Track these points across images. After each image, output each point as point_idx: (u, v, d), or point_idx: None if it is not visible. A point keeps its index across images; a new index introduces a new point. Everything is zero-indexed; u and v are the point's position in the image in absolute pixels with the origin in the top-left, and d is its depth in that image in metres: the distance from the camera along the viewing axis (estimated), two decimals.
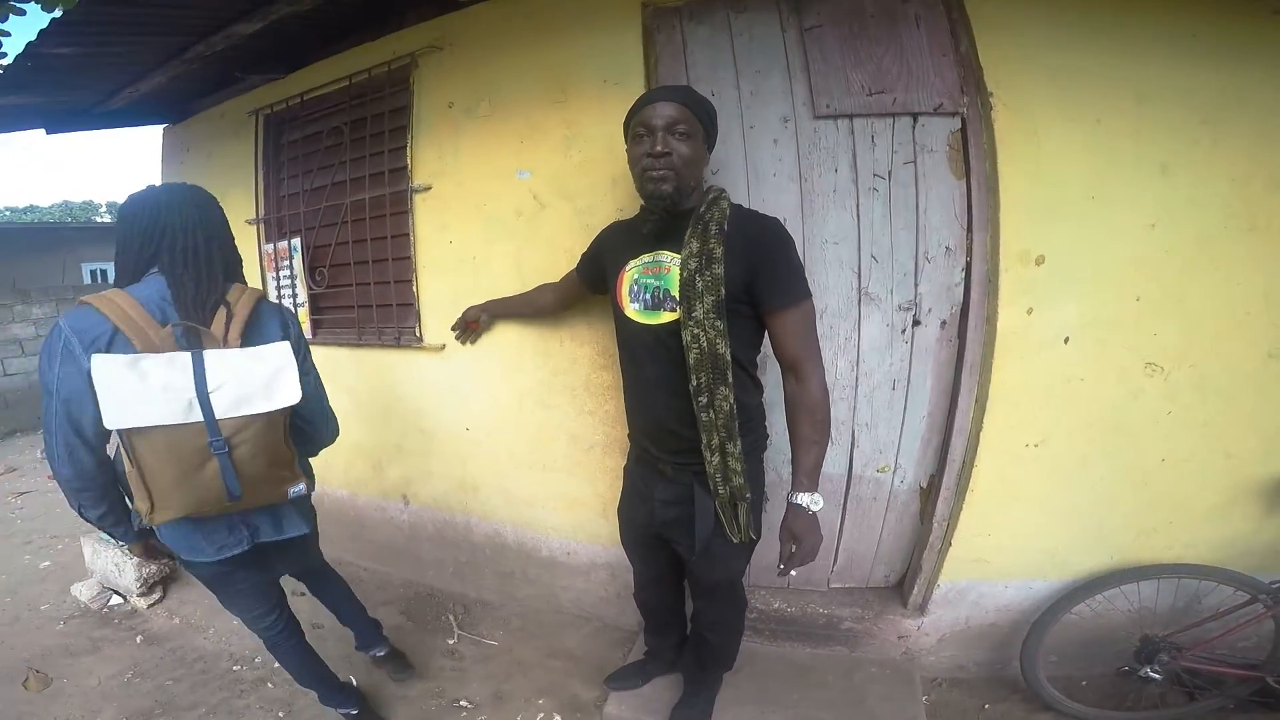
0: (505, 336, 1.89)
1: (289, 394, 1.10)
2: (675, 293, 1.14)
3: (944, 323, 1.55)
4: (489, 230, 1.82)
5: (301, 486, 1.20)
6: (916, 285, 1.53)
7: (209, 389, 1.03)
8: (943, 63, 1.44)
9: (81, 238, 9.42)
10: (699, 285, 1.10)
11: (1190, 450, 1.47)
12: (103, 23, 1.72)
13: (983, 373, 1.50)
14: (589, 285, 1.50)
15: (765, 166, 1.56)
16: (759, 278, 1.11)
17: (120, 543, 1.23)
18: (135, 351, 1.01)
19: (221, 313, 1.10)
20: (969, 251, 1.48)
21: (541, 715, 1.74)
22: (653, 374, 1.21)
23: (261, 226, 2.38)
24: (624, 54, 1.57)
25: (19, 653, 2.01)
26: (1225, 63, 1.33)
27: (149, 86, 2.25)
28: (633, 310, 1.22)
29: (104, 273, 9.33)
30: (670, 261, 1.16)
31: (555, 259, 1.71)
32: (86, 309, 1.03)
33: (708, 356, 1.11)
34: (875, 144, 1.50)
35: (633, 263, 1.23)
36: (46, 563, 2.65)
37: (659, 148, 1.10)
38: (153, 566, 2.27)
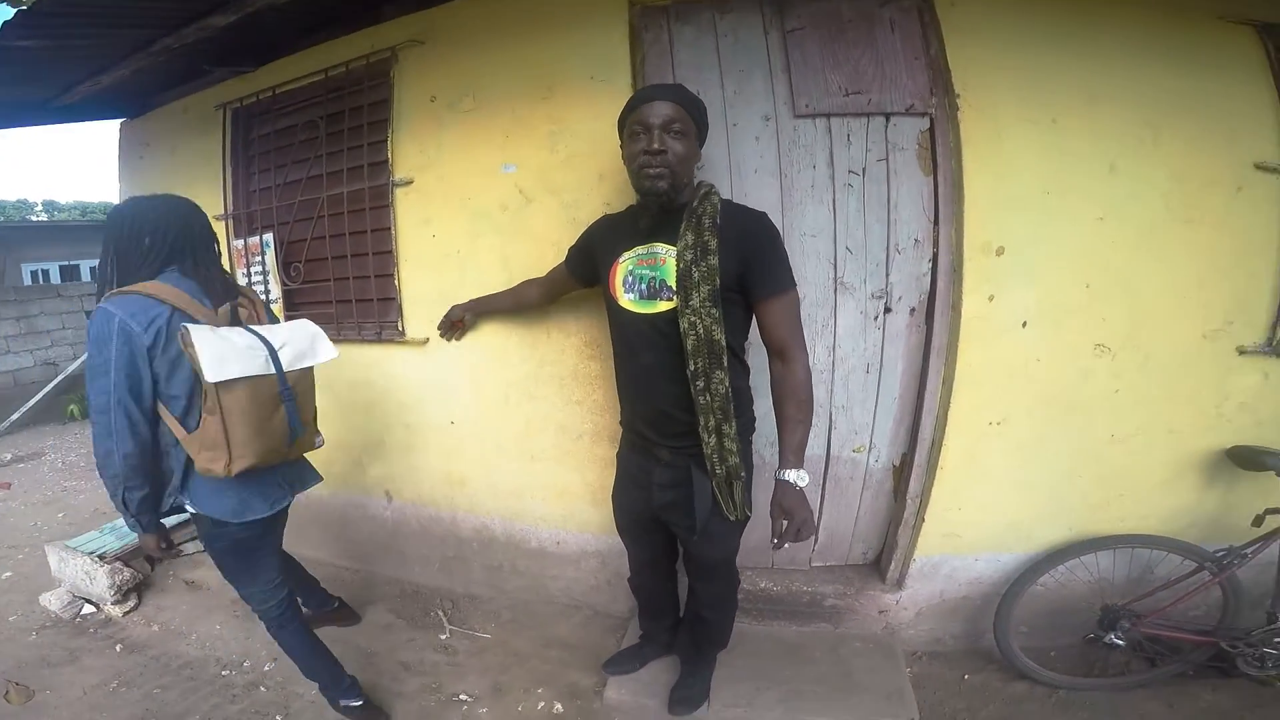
0: (491, 329, 1.92)
1: (328, 352, 1.42)
2: (672, 282, 1.20)
3: (913, 310, 1.66)
4: (474, 224, 1.85)
5: (322, 437, 1.47)
6: (888, 275, 1.64)
7: (275, 347, 1.28)
8: (914, 65, 1.55)
9: (20, 238, 8.90)
10: (695, 275, 1.16)
11: (1137, 426, 1.61)
12: (70, 15, 1.69)
13: (949, 356, 1.61)
14: (578, 278, 1.54)
15: (748, 163, 1.63)
16: (750, 268, 1.18)
17: (144, 531, 1.34)
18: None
19: (245, 301, 1.35)
20: (935, 243, 1.60)
21: (542, 704, 1.77)
22: (649, 361, 1.26)
23: (230, 222, 2.34)
24: (611, 52, 1.62)
25: None
26: (1170, 67, 1.47)
27: (110, 80, 2.19)
28: (627, 300, 1.27)
29: (46, 273, 8.86)
30: (665, 253, 1.22)
31: (542, 252, 1.75)
32: (135, 296, 1.20)
33: (704, 342, 1.17)
34: (851, 142, 1.60)
35: (626, 255, 1.28)
36: (7, 574, 2.54)
37: (655, 145, 1.15)
38: (126, 573, 2.20)
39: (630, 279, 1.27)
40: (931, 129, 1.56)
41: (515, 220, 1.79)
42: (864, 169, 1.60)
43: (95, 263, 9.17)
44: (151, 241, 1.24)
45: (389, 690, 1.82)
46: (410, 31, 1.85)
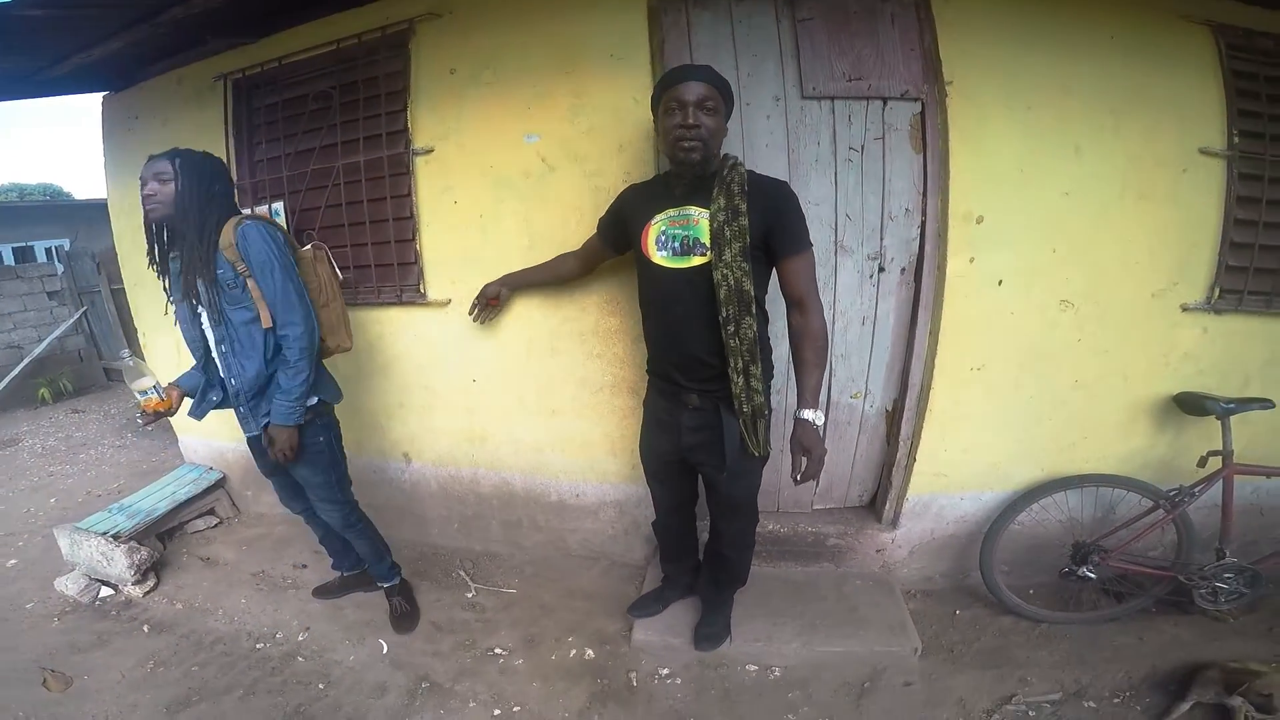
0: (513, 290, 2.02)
1: None
2: (705, 240, 1.37)
3: (904, 269, 1.88)
4: (497, 191, 1.97)
5: None
6: (882, 239, 1.86)
7: None
8: (910, 56, 1.75)
9: None
10: (728, 233, 1.33)
11: (1096, 374, 1.87)
12: None
13: (935, 310, 1.84)
14: (611, 246, 1.68)
15: (759, 138, 1.81)
16: (774, 230, 1.37)
17: (298, 414, 1.66)
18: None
19: None
20: (924, 212, 1.82)
21: (574, 652, 1.90)
22: (682, 311, 1.43)
23: (235, 192, 2.38)
24: (631, 31, 1.76)
25: (23, 654, 1.94)
26: (1132, 61, 1.70)
27: (104, 51, 2.19)
28: (660, 257, 1.43)
29: None
30: (698, 215, 1.38)
31: (565, 217, 1.89)
32: (267, 223, 1.64)
33: (734, 292, 1.35)
34: (852, 122, 1.80)
35: (658, 217, 1.43)
36: (13, 561, 2.53)
37: (690, 120, 1.30)
38: (143, 552, 2.23)
39: (663, 238, 1.42)
40: (923, 113, 1.77)
41: (538, 187, 1.92)
42: (863, 146, 1.81)
43: (51, 243, 8.83)
44: (224, 187, 1.62)
45: (423, 650, 1.92)
46: (428, 4, 1.93)
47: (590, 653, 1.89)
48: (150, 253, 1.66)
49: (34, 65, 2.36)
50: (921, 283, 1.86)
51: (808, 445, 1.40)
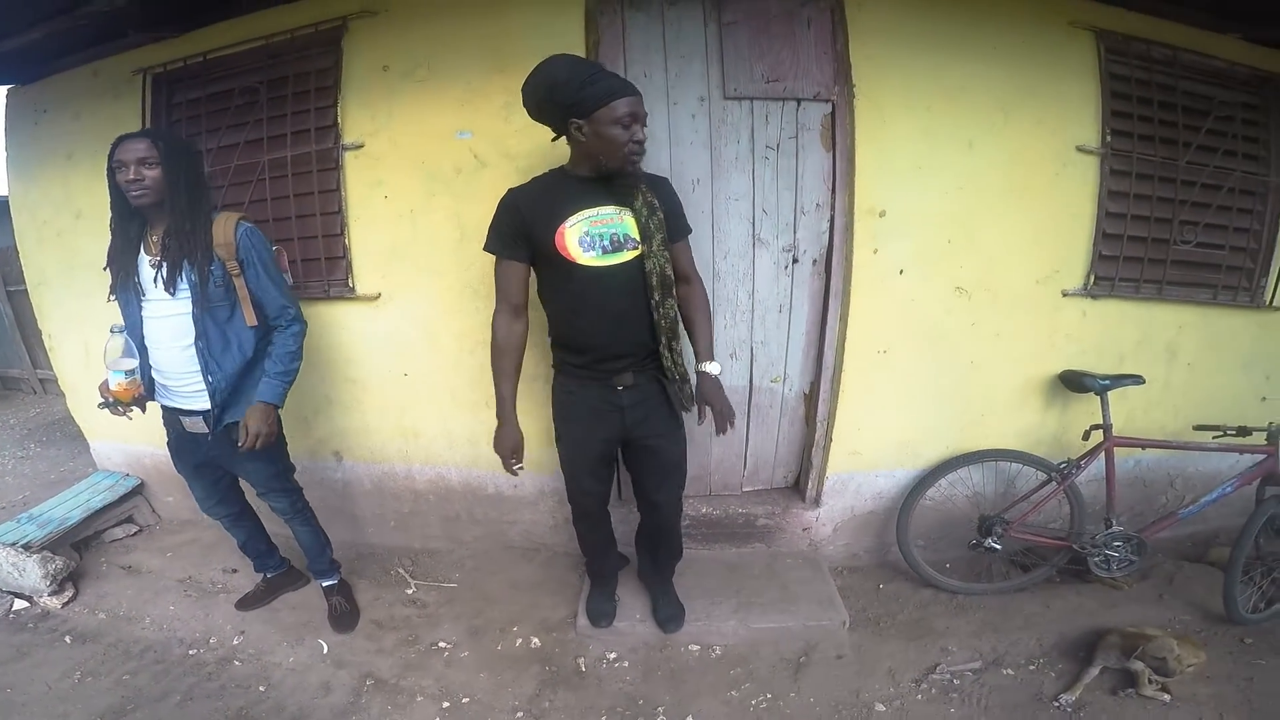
0: (444, 282, 2.14)
1: None
2: (635, 235, 1.54)
3: (815, 261, 2.11)
4: (428, 186, 2.07)
5: None
6: (795, 232, 2.07)
7: None
8: (823, 58, 1.96)
9: None
10: (652, 227, 1.54)
11: (989, 355, 2.13)
12: None
13: (844, 298, 2.07)
14: (528, 261, 1.61)
15: (685, 136, 2.00)
16: (669, 219, 1.59)
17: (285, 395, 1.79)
18: None
19: None
20: (833, 207, 2.04)
21: (520, 641, 1.98)
22: (624, 304, 1.56)
23: None
24: (567, 32, 1.89)
25: None
26: (1023, 62, 1.94)
27: (17, 43, 2.18)
28: (589, 258, 1.52)
29: None
30: (620, 213, 1.54)
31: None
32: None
33: (661, 278, 1.56)
34: (769, 122, 2.00)
35: (573, 219, 1.51)
36: None
37: (641, 137, 1.47)
38: (58, 561, 2.20)
39: (588, 239, 1.52)
40: (833, 113, 1.98)
41: (470, 183, 2.03)
42: (778, 145, 2.01)
43: None
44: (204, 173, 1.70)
45: (366, 648, 1.97)
46: (363, 2, 2.01)
47: (536, 641, 1.98)
48: (117, 245, 1.66)
49: None
50: (831, 273, 2.08)
51: (709, 396, 1.67)
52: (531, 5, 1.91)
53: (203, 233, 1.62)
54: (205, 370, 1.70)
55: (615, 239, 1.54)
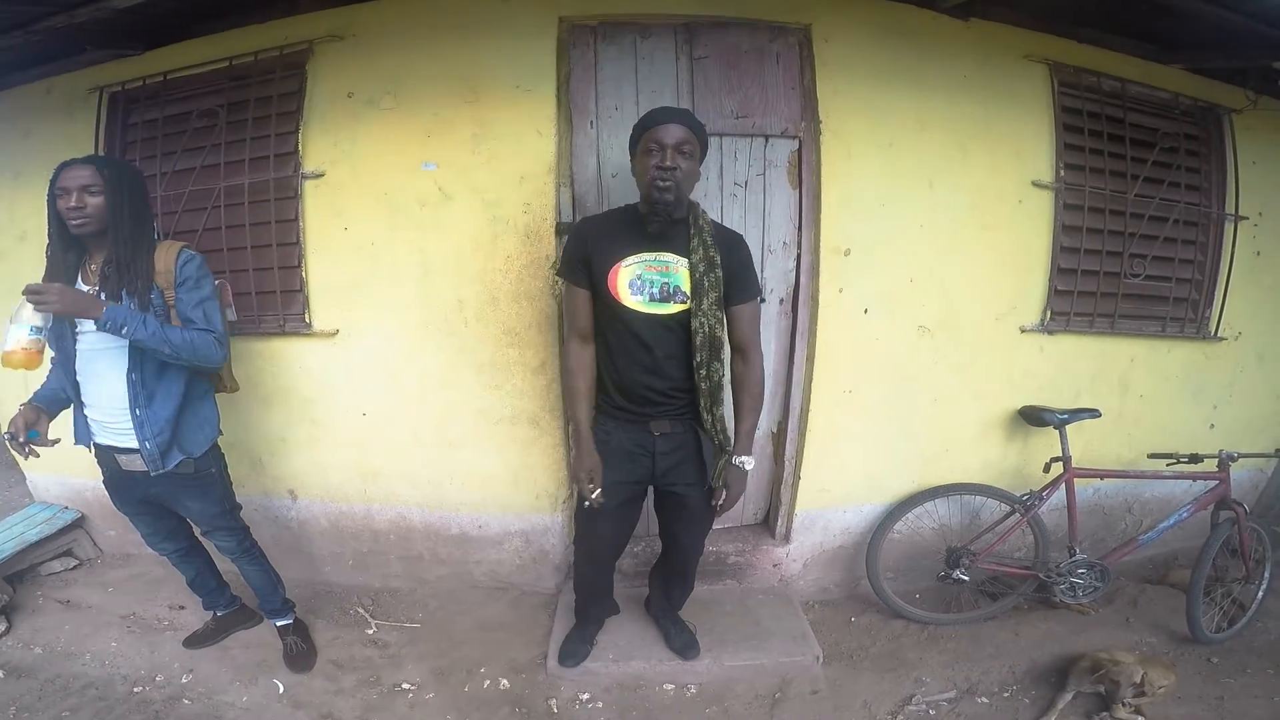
0: (407, 318, 2.10)
1: None
2: (686, 288, 1.50)
3: (782, 300, 2.13)
4: (391, 218, 2.04)
5: None
6: (763, 271, 2.08)
7: None
8: (790, 94, 1.99)
9: None
10: (706, 284, 1.48)
11: (952, 392, 2.18)
12: None
13: (810, 337, 2.10)
14: (591, 287, 1.59)
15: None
16: (734, 279, 1.52)
17: (125, 329, 1.56)
18: None
19: None
20: (799, 245, 2.07)
21: (488, 683, 1.94)
22: (661, 354, 1.54)
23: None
24: (538, 64, 1.90)
25: None
26: (979, 98, 2.01)
27: None
28: (635, 302, 1.51)
29: None
30: (676, 263, 1.51)
31: (460, 246, 1.99)
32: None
33: (709, 339, 1.50)
34: (737, 159, 2.02)
35: (630, 260, 1.50)
36: None
37: (668, 163, 1.41)
38: None
39: (639, 282, 1.50)
40: (800, 150, 2.02)
41: (435, 216, 2.01)
42: (746, 182, 2.04)
43: None
44: (149, 202, 1.64)
45: (325, 689, 1.91)
46: (329, 26, 1.99)
47: (505, 682, 1.94)
48: (53, 273, 1.60)
49: None
50: (798, 312, 2.11)
51: (731, 484, 1.60)
52: (502, 36, 1.91)
53: (144, 262, 1.57)
54: (133, 403, 1.62)
55: (665, 289, 1.51)
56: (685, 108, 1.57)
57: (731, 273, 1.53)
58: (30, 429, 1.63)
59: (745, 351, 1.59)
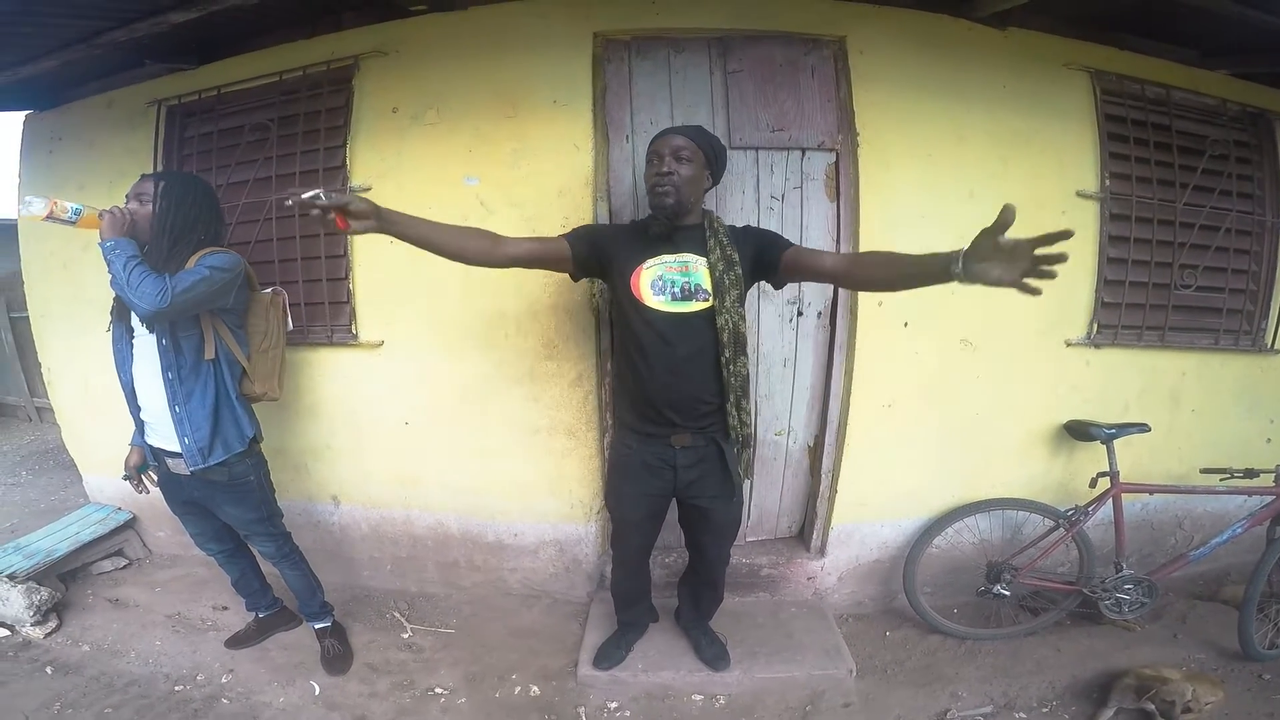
0: (446, 331, 2.15)
1: None
2: (708, 286, 1.54)
3: (820, 313, 2.13)
4: None
5: None
6: (800, 285, 2.09)
7: None
8: (827, 106, 2.00)
9: None
10: (727, 282, 1.53)
11: (993, 406, 2.15)
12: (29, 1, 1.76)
13: (849, 351, 2.09)
14: (575, 263, 1.61)
15: None
16: (763, 253, 1.56)
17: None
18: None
19: None
20: None
21: (519, 689, 1.97)
22: (685, 353, 1.55)
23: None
24: (574, 78, 1.94)
25: None
26: (1021, 109, 1.99)
27: (34, 70, 2.22)
28: (658, 302, 1.55)
29: None
30: (696, 262, 1.55)
31: None
32: (239, 257, 1.74)
33: (733, 334, 1.54)
34: (774, 172, 2.03)
35: (651, 262, 1.56)
36: None
37: (665, 168, 1.50)
38: (43, 592, 2.19)
39: (660, 282, 1.55)
40: (837, 162, 2.02)
41: None
42: (783, 195, 2.05)
43: None
44: (209, 215, 1.73)
45: (359, 692, 1.95)
46: (374, 42, 2.06)
47: (535, 689, 1.97)
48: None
49: None
50: (836, 325, 2.10)
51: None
52: (539, 52, 1.95)
53: (176, 265, 1.64)
54: (171, 400, 1.72)
55: (687, 287, 1.56)
56: (696, 125, 1.60)
57: (758, 253, 1.57)
58: (140, 465, 1.91)
59: (835, 254, 1.77)
